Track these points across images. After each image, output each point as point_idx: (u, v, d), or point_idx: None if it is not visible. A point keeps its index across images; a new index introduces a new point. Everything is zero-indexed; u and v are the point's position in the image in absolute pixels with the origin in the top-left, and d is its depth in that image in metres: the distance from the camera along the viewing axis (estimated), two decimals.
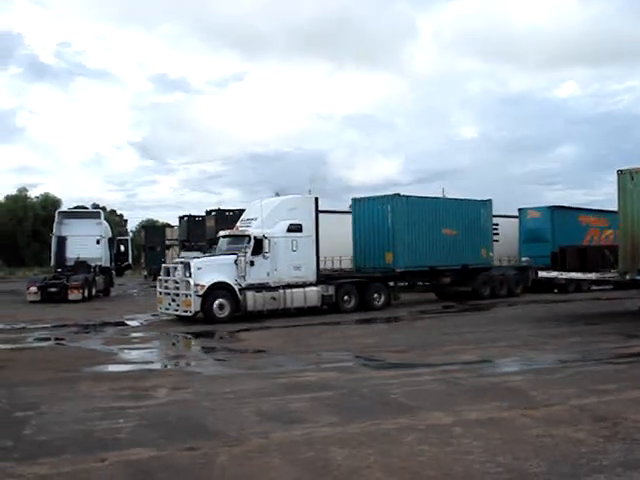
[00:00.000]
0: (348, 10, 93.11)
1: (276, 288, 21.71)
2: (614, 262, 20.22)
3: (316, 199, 23.10)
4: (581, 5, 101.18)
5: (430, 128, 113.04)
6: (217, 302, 20.53)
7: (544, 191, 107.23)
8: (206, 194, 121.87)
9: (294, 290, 22.03)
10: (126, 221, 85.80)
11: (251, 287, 21.20)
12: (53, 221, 33.81)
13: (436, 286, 28.99)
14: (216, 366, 13.70)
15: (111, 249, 34.81)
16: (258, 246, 21.33)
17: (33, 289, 29.53)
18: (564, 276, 22.76)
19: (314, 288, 22.53)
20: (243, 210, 25.09)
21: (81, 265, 31.39)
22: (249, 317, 21.02)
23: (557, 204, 33.81)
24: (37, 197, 74.56)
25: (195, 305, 20.24)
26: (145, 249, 56.58)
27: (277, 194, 23.86)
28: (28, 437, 7.90)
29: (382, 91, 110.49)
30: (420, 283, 29.09)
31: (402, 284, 26.67)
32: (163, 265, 23.56)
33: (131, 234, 63.47)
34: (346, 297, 23.56)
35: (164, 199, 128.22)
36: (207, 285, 20.37)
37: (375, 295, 24.41)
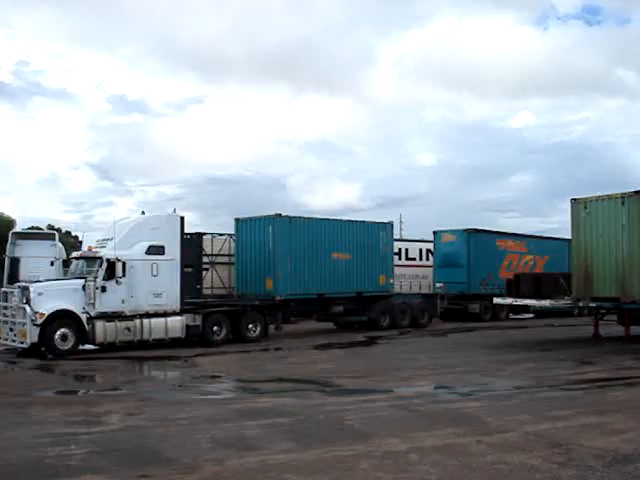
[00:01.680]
0: (309, 36, 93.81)
1: (132, 317, 19.34)
2: (567, 289, 20.56)
3: (182, 218, 20.86)
4: (539, 37, 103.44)
5: (390, 155, 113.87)
6: (59, 332, 18.11)
7: (500, 218, 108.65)
8: None
9: (153, 320, 19.64)
10: (81, 243, 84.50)
11: (102, 316, 18.86)
12: (6, 242, 33.18)
13: (328, 315, 26.51)
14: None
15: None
16: (111, 270, 19.10)
17: None
18: (519, 302, 23.08)
19: (177, 317, 20.18)
20: None
21: None
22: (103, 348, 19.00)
23: (474, 227, 31.49)
24: None
25: (32, 336, 17.75)
26: None
27: (143, 212, 21.72)
28: None
29: (342, 117, 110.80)
30: (312, 312, 27.07)
31: (287, 312, 24.29)
32: (2, 289, 20.20)
33: None
34: (216, 327, 21.09)
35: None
36: (47, 313, 17.97)
37: (250, 325, 21.96)
